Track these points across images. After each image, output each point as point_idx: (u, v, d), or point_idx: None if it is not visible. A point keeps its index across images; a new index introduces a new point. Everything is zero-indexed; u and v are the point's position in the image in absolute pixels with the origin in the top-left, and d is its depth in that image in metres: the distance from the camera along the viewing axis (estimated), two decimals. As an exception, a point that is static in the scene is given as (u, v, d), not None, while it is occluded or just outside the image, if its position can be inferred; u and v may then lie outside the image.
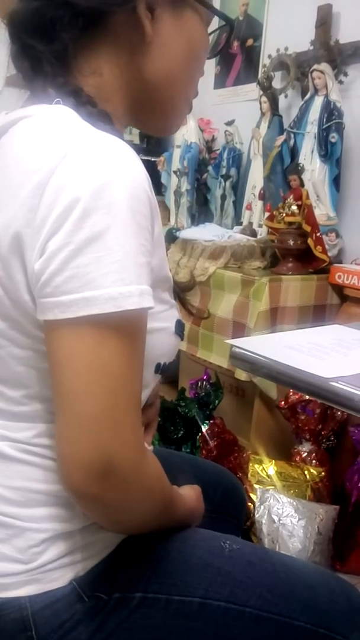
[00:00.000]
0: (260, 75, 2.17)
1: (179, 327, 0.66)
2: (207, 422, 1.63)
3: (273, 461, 1.56)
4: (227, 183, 2.28)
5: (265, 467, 1.54)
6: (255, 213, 2.12)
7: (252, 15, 2.30)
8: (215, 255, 1.84)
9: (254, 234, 2.04)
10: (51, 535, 0.59)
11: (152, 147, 2.60)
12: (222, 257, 1.83)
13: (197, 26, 0.66)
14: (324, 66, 1.83)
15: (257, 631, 0.62)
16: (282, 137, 1.94)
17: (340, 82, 1.87)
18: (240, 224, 2.19)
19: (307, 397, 1.51)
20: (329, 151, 1.85)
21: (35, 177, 0.51)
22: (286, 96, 2.09)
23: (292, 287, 1.70)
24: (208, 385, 1.73)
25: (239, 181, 2.27)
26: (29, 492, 0.59)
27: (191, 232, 2.07)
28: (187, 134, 2.32)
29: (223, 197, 2.31)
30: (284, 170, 1.92)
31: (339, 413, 1.60)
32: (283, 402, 1.59)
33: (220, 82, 2.49)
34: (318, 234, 1.74)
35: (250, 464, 1.55)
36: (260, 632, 0.62)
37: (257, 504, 1.43)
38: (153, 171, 2.45)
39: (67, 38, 0.59)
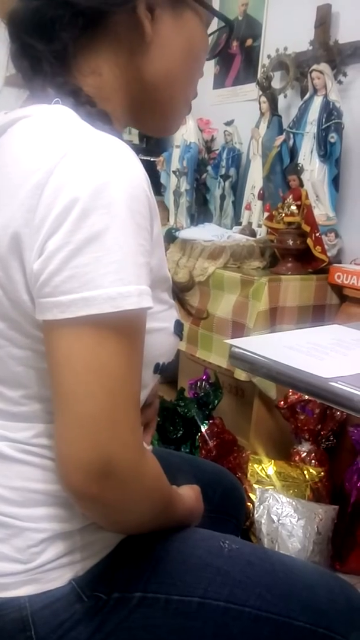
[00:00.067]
0: (259, 75, 2.17)
1: (178, 327, 0.66)
2: (206, 422, 1.63)
3: (272, 461, 1.56)
4: (227, 183, 2.28)
5: (265, 467, 1.54)
6: (254, 213, 2.12)
7: (251, 15, 2.30)
8: (215, 255, 1.84)
9: (253, 234, 2.04)
10: (50, 535, 0.59)
11: (151, 147, 2.59)
12: (221, 257, 1.83)
13: (197, 27, 0.66)
14: (323, 66, 1.83)
15: (256, 631, 0.62)
16: (282, 137, 1.94)
17: (340, 82, 1.87)
18: (239, 224, 2.19)
19: (307, 397, 1.51)
20: (328, 151, 1.85)
21: (34, 177, 0.51)
22: (285, 96, 2.09)
23: (291, 287, 1.70)
24: (207, 385, 1.73)
25: (238, 181, 2.27)
26: (28, 492, 0.59)
27: (190, 232, 2.06)
28: (186, 134, 2.31)
29: (222, 197, 2.31)
30: (283, 170, 1.92)
31: (338, 413, 1.60)
32: (282, 402, 1.59)
33: (220, 82, 2.48)
34: (317, 234, 1.74)
35: (250, 464, 1.55)
36: (260, 631, 0.62)
37: (256, 504, 1.43)
38: (152, 171, 2.44)
39: (67, 38, 0.59)
